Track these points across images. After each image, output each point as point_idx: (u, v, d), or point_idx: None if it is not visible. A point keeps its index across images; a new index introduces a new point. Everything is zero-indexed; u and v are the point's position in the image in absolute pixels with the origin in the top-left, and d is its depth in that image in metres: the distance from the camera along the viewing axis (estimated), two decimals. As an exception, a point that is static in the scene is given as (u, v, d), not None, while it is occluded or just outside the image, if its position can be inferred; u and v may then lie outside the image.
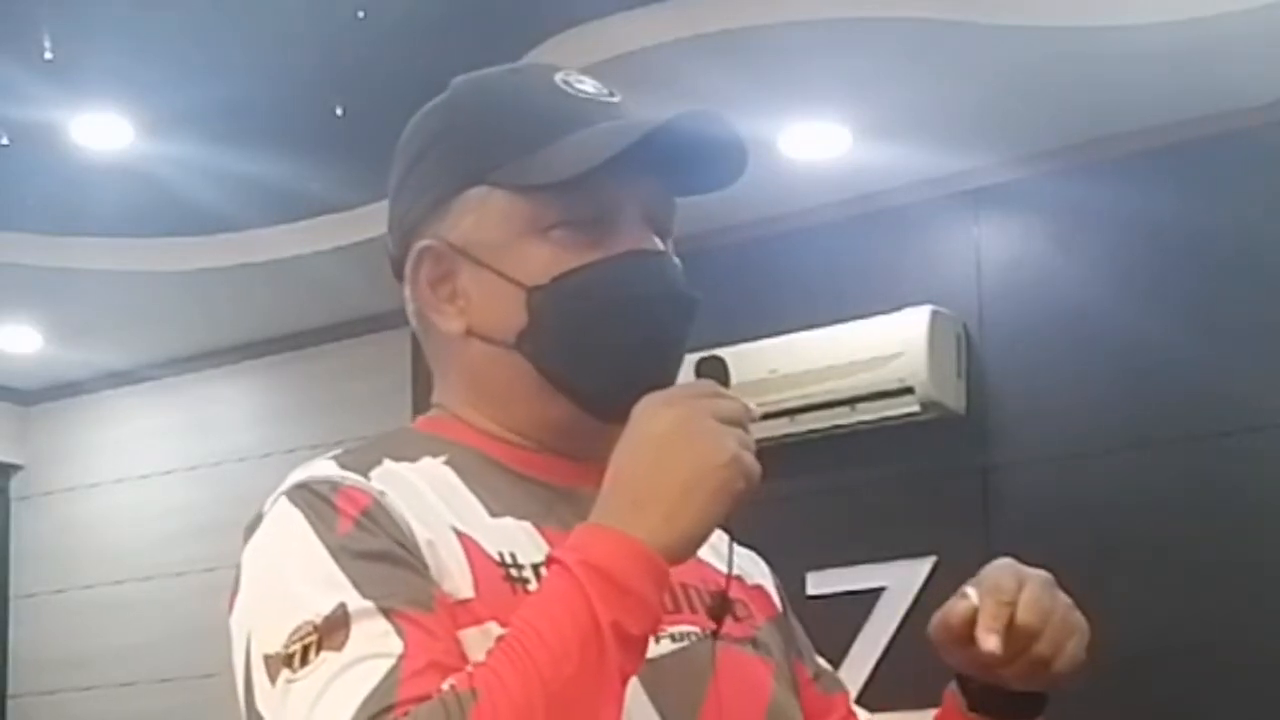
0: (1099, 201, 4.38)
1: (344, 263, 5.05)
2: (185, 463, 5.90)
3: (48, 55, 3.96)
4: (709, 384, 1.31)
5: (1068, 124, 4.31)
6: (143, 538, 5.92)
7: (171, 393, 5.95)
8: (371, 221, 4.83)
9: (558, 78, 1.44)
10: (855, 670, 4.38)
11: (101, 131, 4.50)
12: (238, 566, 1.35)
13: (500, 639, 1.21)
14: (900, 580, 4.43)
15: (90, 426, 6.12)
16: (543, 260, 1.39)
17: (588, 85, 1.45)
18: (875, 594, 4.47)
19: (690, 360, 1.39)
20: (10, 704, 6.13)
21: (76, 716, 5.97)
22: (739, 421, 1.27)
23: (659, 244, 1.42)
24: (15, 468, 6.26)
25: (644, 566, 1.22)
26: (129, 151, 4.58)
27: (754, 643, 1.44)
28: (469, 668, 1.21)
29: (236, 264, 5.17)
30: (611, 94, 1.45)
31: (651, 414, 1.28)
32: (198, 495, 5.82)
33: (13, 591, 6.23)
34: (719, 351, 1.37)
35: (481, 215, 1.41)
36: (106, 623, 5.95)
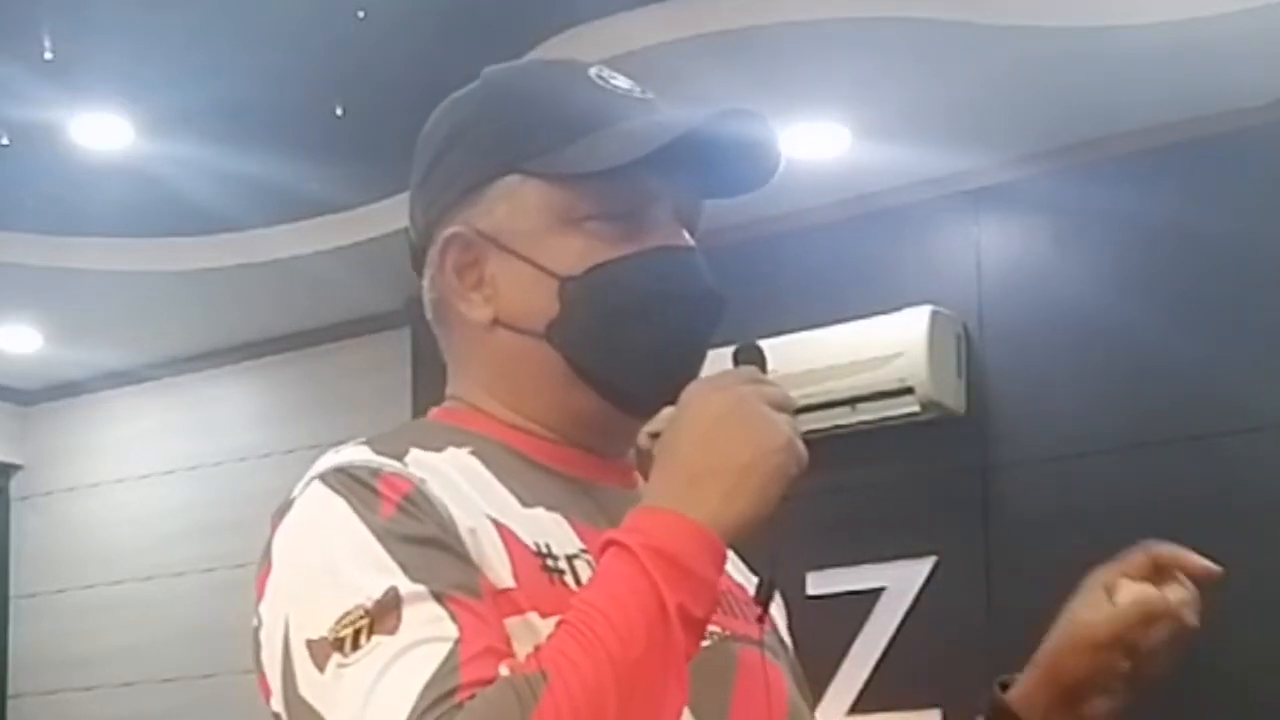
0: (1099, 201, 4.37)
1: (344, 263, 5.05)
2: (185, 463, 5.90)
3: (48, 55, 3.96)
4: (753, 370, 1.33)
5: (1068, 124, 4.30)
6: (143, 538, 5.92)
7: (171, 393, 5.95)
8: (371, 221, 4.83)
9: (592, 72, 1.44)
10: (855, 670, 4.37)
11: (101, 131, 4.50)
12: (267, 550, 1.32)
13: (562, 622, 1.20)
14: (900, 580, 4.42)
15: (90, 426, 6.12)
16: (576, 251, 1.38)
17: (622, 81, 1.44)
18: (875, 594, 4.47)
19: (716, 354, 1.39)
20: (10, 704, 6.13)
21: (76, 716, 5.97)
22: (786, 407, 1.29)
23: (690, 240, 1.42)
24: (15, 468, 6.26)
25: (705, 548, 1.22)
26: (129, 151, 4.58)
27: (764, 645, 1.43)
28: (526, 652, 1.20)
29: (237, 264, 5.17)
30: (645, 91, 1.45)
31: (703, 398, 1.28)
32: (198, 495, 5.82)
33: (13, 591, 6.23)
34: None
35: (515, 203, 1.40)
36: (106, 623, 5.95)
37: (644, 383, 1.39)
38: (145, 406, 6.01)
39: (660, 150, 1.35)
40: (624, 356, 1.39)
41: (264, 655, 1.30)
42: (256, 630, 1.31)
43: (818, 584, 4.49)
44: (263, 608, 1.31)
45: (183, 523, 5.82)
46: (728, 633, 1.38)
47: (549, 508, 1.35)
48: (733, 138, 1.39)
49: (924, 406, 4.39)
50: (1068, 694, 1.48)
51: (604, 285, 1.38)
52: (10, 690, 6.17)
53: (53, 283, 5.25)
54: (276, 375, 5.77)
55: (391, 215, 4.64)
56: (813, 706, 1.54)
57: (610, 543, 1.23)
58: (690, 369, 1.39)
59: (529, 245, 1.39)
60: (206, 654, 5.37)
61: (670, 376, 1.34)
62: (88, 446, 6.13)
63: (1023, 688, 1.52)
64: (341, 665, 1.21)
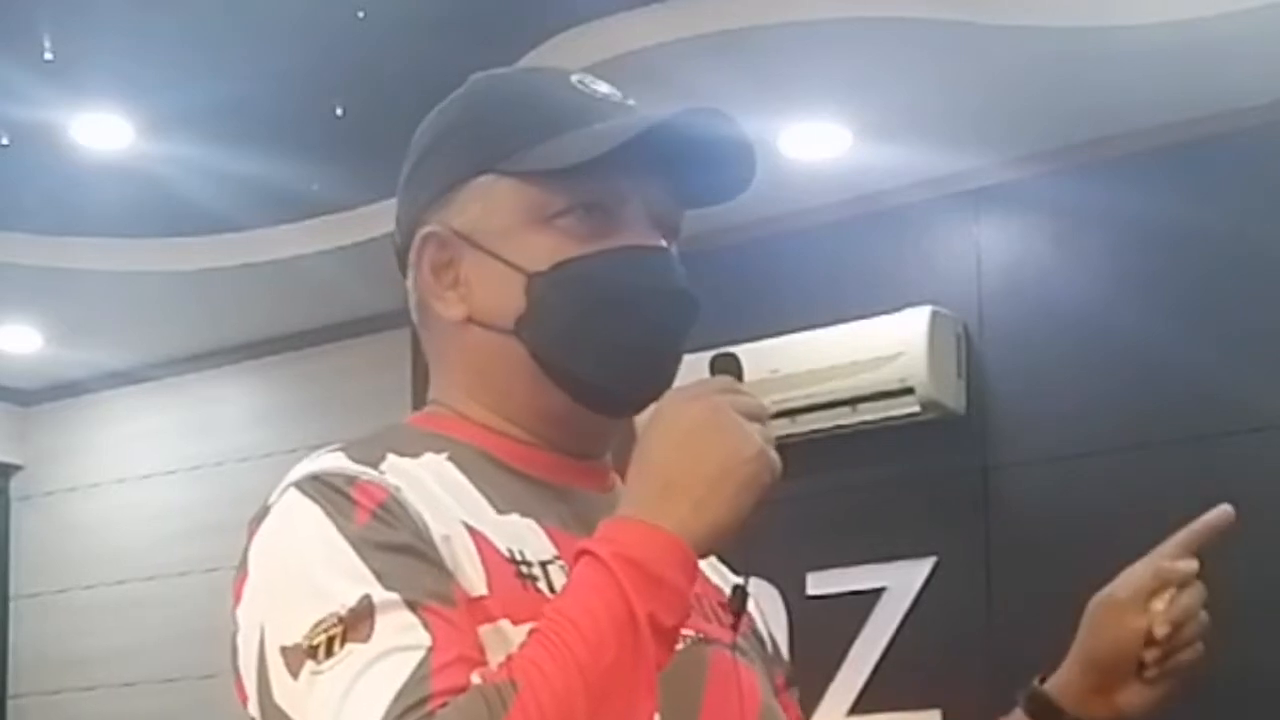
0: (1099, 201, 4.38)
1: (344, 263, 5.06)
2: (186, 463, 5.90)
3: (48, 55, 3.97)
4: (728, 380, 1.33)
5: (1068, 124, 4.31)
6: (144, 538, 5.92)
7: (172, 393, 5.95)
8: (371, 221, 4.83)
9: (573, 78, 1.45)
10: (855, 670, 4.37)
11: (101, 131, 4.50)
12: (244, 557, 1.33)
13: (533, 631, 1.21)
14: (900, 580, 4.42)
15: (90, 426, 6.12)
16: (545, 247, 1.39)
17: (603, 87, 1.46)
18: (875, 594, 4.47)
19: (700, 358, 1.39)
20: (10, 704, 6.13)
21: (77, 717, 5.97)
22: (760, 417, 1.29)
23: (662, 241, 1.42)
24: (15, 468, 6.26)
25: (676, 558, 1.23)
26: (129, 151, 4.58)
27: (736, 648, 1.44)
28: (499, 660, 1.21)
29: (237, 264, 5.18)
30: (627, 98, 1.46)
31: (677, 408, 1.29)
32: (199, 495, 5.82)
33: (13, 591, 6.23)
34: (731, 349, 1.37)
35: (488, 202, 1.41)
36: (108, 623, 5.95)
37: (610, 379, 1.39)
38: (145, 406, 6.01)
39: (629, 148, 1.36)
40: (588, 353, 1.39)
41: (240, 661, 1.32)
42: (234, 635, 1.33)
43: (818, 584, 4.49)
44: (239, 613, 1.33)
45: (184, 523, 5.82)
46: (700, 635, 1.39)
47: (523, 514, 1.36)
48: (701, 137, 1.40)
49: (924, 406, 4.39)
50: (1102, 676, 1.55)
51: (570, 281, 1.38)
52: (10, 690, 6.17)
53: (53, 283, 5.25)
54: (277, 375, 5.77)
55: (392, 215, 4.63)
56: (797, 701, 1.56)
57: (583, 552, 1.24)
58: (659, 368, 1.40)
59: (500, 242, 1.40)
60: (207, 654, 5.36)
61: (637, 373, 1.36)
62: (88, 446, 6.13)
63: (1059, 676, 1.58)
64: (315, 673, 1.22)
